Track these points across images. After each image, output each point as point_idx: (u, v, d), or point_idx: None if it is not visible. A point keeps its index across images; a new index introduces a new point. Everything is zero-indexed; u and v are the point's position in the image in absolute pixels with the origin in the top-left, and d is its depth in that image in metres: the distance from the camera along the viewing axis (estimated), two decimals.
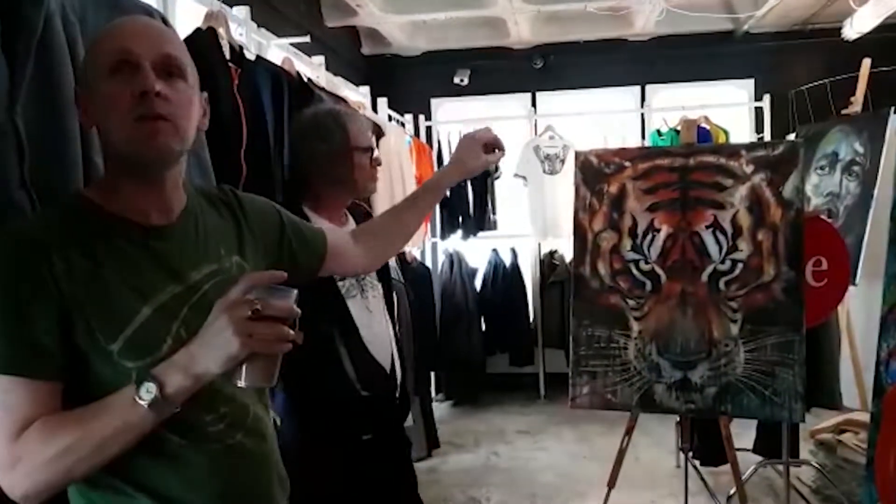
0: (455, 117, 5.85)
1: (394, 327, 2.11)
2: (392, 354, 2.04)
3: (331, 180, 1.96)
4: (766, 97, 5.34)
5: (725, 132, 5.07)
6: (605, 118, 5.61)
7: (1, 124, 1.12)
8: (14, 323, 0.95)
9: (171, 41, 1.07)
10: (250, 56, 2.35)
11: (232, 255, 1.17)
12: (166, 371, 0.97)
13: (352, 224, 2.03)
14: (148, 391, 0.95)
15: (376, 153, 2.04)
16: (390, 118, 4.25)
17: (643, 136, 5.68)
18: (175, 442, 1.03)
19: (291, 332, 0.98)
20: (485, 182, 5.30)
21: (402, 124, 4.71)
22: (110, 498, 1.03)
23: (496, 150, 1.63)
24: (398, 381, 2.04)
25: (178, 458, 1.05)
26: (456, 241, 5.52)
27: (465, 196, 5.29)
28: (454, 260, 5.41)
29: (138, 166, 1.05)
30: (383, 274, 2.11)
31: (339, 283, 1.94)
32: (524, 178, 5.45)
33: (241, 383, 0.99)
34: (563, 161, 5.40)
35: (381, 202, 3.07)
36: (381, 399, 2.01)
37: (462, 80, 5.81)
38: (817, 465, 3.44)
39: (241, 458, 1.12)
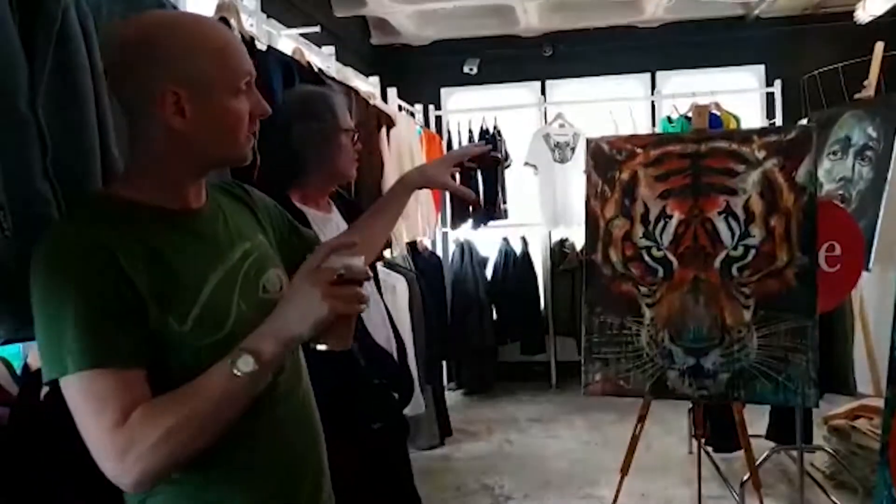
0: (465, 106, 5.83)
1: (390, 315, 2.12)
2: (391, 341, 2.07)
3: (320, 163, 1.93)
4: (778, 83, 5.30)
5: (736, 118, 5.04)
6: (616, 106, 5.57)
7: (23, 116, 1.13)
8: (91, 318, 0.95)
9: None
10: (261, 47, 2.36)
11: (258, 234, 1.22)
12: (258, 341, 0.99)
13: (336, 213, 2.02)
14: (245, 363, 0.96)
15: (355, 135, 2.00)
16: (400, 108, 4.25)
17: (653, 124, 5.66)
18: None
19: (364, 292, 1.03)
20: (495, 171, 5.30)
21: (413, 114, 4.71)
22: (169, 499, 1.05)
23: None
24: (401, 369, 2.08)
25: (244, 429, 1.04)
26: (466, 231, 5.53)
27: (476, 185, 5.28)
28: (465, 249, 5.42)
29: (216, 167, 1.15)
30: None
31: None
32: (534, 166, 5.44)
33: (323, 347, 1.03)
34: (573, 149, 5.39)
35: None
36: (391, 387, 2.03)
37: (471, 70, 5.79)
38: (831, 451, 3.43)
39: (298, 422, 1.18)
